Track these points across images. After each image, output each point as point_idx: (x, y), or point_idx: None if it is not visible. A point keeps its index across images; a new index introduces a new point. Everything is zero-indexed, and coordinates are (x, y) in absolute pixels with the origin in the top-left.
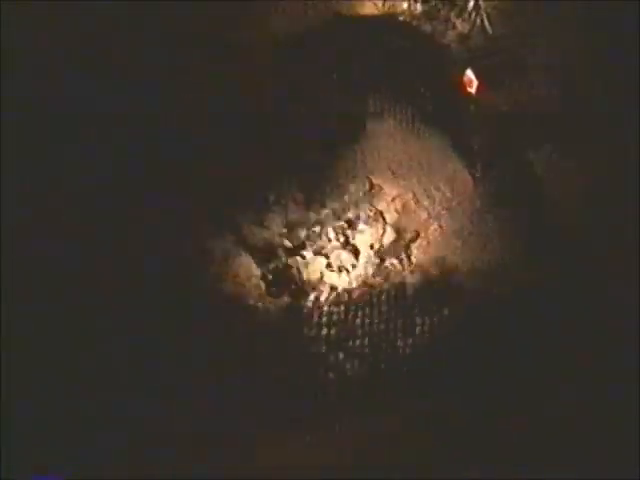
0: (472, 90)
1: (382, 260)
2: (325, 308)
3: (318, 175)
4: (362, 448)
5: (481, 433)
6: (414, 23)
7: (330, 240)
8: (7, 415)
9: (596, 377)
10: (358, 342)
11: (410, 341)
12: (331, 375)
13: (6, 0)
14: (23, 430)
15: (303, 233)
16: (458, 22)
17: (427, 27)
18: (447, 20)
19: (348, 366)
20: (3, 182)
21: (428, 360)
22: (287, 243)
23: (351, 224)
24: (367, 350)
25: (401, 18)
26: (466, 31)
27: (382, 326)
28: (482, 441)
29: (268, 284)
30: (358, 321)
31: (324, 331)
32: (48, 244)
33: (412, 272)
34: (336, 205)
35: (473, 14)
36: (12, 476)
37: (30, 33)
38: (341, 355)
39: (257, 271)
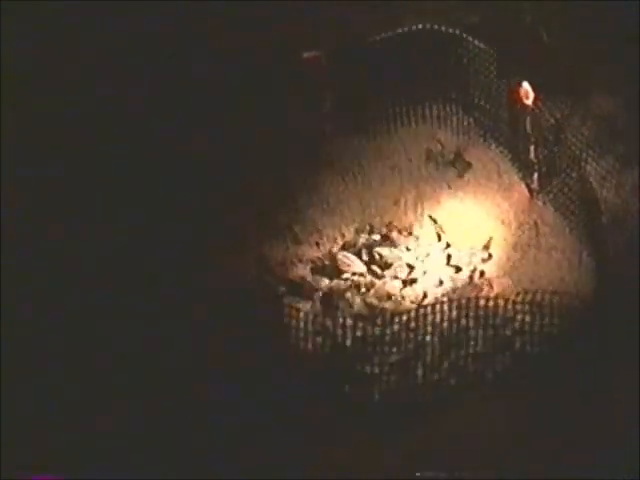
0: (529, 102)
1: (440, 272)
2: (380, 320)
3: (373, 188)
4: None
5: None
6: (469, 36)
7: (386, 254)
8: (7, 415)
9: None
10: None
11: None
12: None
13: (6, 0)
14: (23, 430)
15: (359, 248)
16: (514, 34)
17: (483, 39)
18: (503, 32)
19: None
20: (3, 184)
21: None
22: (341, 258)
23: (407, 236)
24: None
25: (457, 31)
26: (523, 42)
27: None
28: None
29: (320, 296)
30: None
31: (373, 344)
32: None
33: (468, 284)
34: (392, 217)
35: (530, 26)
36: (12, 476)
37: (30, 33)
38: (398, 366)
39: (310, 281)
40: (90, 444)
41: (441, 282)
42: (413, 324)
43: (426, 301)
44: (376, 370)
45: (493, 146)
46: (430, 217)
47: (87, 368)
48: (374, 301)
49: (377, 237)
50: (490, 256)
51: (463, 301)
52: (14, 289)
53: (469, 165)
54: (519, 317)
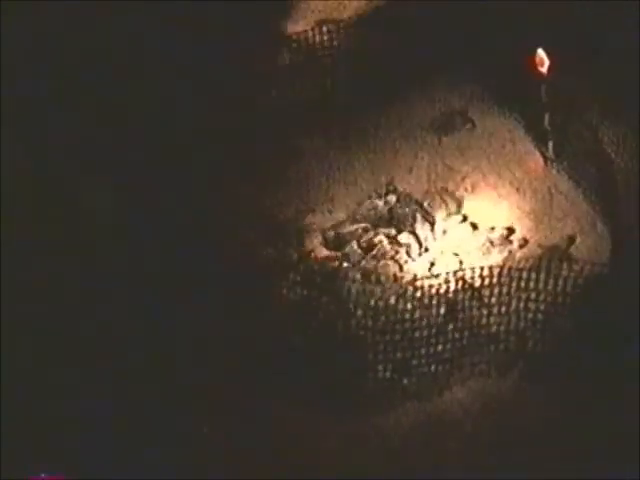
0: (544, 70)
1: (455, 241)
2: (395, 291)
3: (386, 157)
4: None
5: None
6: (485, 3)
7: (399, 223)
8: (7, 415)
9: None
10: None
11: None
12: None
13: (6, 0)
14: (23, 430)
15: (371, 218)
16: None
17: (499, 6)
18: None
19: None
20: (3, 184)
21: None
22: (354, 228)
23: (421, 205)
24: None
25: None
26: (538, 9)
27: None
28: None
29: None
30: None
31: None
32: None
33: (484, 254)
34: (405, 186)
35: None
36: (12, 476)
37: (30, 34)
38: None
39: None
40: (90, 444)
41: (456, 253)
42: (430, 298)
43: (443, 273)
44: (388, 348)
45: (507, 114)
46: (444, 186)
47: (87, 367)
48: (389, 272)
49: (391, 205)
50: (506, 225)
51: (477, 271)
52: (13, 284)
53: (483, 133)
54: (532, 285)
